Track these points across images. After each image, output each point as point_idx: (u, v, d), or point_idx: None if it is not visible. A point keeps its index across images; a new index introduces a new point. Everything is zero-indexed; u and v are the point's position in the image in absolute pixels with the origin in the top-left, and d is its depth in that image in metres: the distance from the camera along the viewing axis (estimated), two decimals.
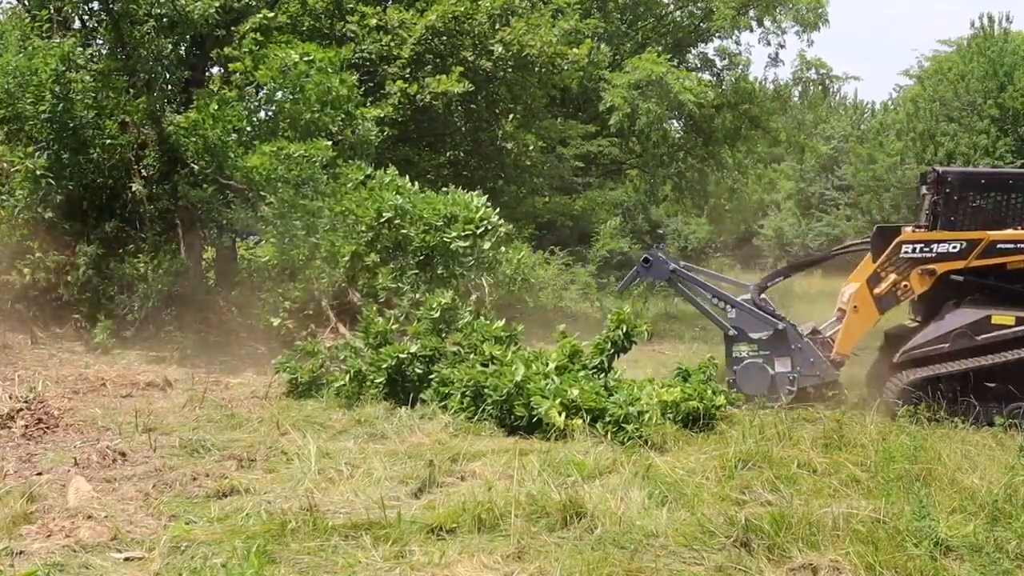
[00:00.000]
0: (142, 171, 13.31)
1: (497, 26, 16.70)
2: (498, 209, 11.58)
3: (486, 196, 11.59)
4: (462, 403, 8.39)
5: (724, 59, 25.62)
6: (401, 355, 9.07)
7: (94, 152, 12.73)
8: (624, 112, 18.49)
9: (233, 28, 14.06)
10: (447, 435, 7.72)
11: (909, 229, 9.55)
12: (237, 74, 13.48)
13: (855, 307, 9.19)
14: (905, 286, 9.07)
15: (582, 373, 8.68)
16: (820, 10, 23.52)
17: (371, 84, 16.23)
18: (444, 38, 16.39)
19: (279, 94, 13.25)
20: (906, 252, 9.10)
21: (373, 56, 16.21)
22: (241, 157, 12.35)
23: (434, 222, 11.01)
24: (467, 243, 10.92)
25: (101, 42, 14.46)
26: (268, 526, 5.31)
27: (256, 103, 13.63)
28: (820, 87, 25.86)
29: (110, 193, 13.29)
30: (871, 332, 9.68)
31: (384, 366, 9.04)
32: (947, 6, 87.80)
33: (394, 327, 9.86)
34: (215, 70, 15.62)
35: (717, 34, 24.99)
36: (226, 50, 13.70)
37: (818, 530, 5.18)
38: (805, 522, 5.26)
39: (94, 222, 12.97)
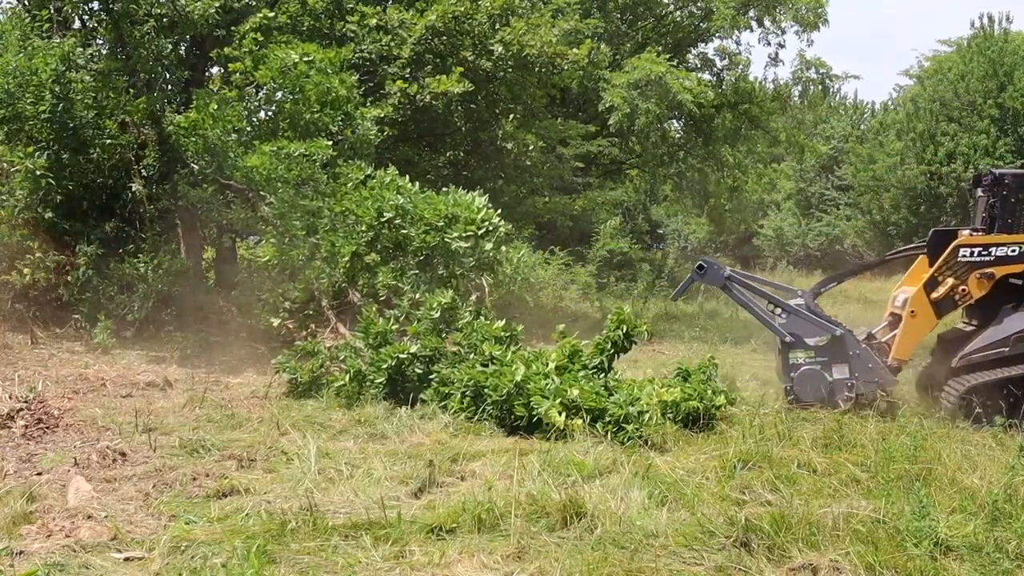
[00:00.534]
0: (142, 171, 13.31)
1: (497, 26, 16.70)
2: (499, 209, 11.57)
3: (486, 196, 11.59)
4: (462, 403, 8.39)
5: (724, 59, 25.64)
6: (401, 355, 9.07)
7: (94, 152, 12.73)
8: (623, 112, 18.49)
9: (233, 28, 14.06)
10: (447, 435, 7.72)
11: (966, 232, 9.39)
12: (237, 74, 13.48)
13: (912, 312, 9.00)
14: (963, 290, 8.91)
15: (582, 373, 8.67)
16: (820, 10, 23.52)
17: (371, 84, 16.23)
18: (444, 38, 16.39)
19: (279, 94, 13.25)
20: (964, 256, 8.95)
21: (373, 56, 16.21)
22: (241, 157, 12.35)
23: (435, 222, 11.01)
24: (468, 243, 10.92)
25: (101, 42, 14.46)
26: (268, 526, 5.31)
27: (256, 103, 13.63)
28: (820, 87, 25.87)
29: (110, 193, 13.29)
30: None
31: (384, 366, 9.05)
32: (947, 6, 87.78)
33: (394, 327, 9.85)
34: (215, 70, 15.63)
35: (717, 34, 24.99)
36: (226, 50, 13.70)
37: (818, 530, 5.18)
38: (805, 522, 5.26)
39: (94, 222, 12.97)
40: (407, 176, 12.13)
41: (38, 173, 12.21)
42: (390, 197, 11.35)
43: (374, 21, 16.13)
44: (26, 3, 14.35)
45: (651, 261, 25.51)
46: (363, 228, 11.27)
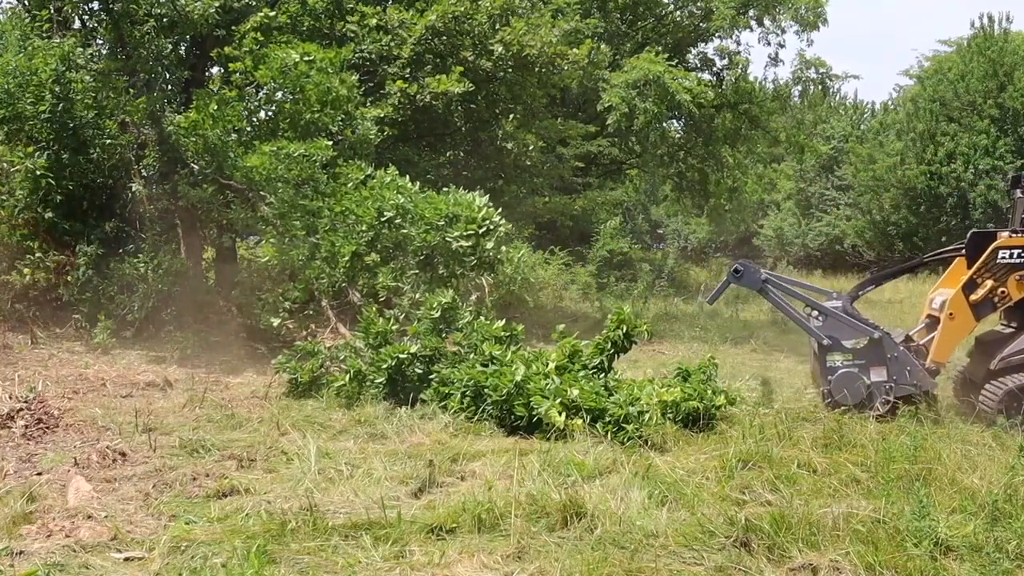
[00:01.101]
0: (142, 171, 13.31)
1: (497, 26, 16.69)
2: (499, 209, 11.57)
3: (487, 196, 11.59)
4: (462, 403, 8.39)
5: (724, 59, 25.65)
6: (401, 355, 9.07)
7: (94, 152, 12.73)
8: (621, 112, 18.49)
9: (233, 28, 14.06)
10: (447, 435, 7.72)
11: (1006, 234, 9.24)
12: (237, 74, 13.48)
13: (951, 314, 8.88)
14: (1003, 292, 8.78)
15: (582, 373, 8.68)
16: (819, 10, 23.54)
17: (371, 84, 16.23)
18: (444, 38, 16.39)
19: (279, 94, 13.26)
20: (1003, 258, 8.82)
21: (373, 56, 16.21)
22: (241, 157, 12.36)
23: (435, 222, 11.01)
24: (469, 243, 10.92)
25: (101, 42, 14.46)
26: (268, 526, 5.31)
27: (256, 103, 13.62)
28: (820, 87, 25.88)
29: (110, 193, 13.29)
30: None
31: (384, 366, 9.05)
32: (947, 6, 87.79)
33: (394, 327, 9.85)
34: (215, 70, 15.62)
35: (717, 34, 25.01)
36: (226, 50, 13.70)
37: (818, 530, 5.18)
38: (805, 522, 5.26)
39: (94, 222, 12.97)
40: (407, 176, 12.14)
41: (38, 173, 12.21)
42: (390, 197, 11.35)
43: (374, 21, 16.14)
44: (26, 3, 14.35)
45: (651, 261, 25.54)
46: (363, 228, 11.27)
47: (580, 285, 20.46)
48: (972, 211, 29.00)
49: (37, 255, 12.48)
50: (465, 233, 10.93)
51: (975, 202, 28.82)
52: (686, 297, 21.68)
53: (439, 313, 9.84)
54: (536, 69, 16.94)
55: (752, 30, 24.67)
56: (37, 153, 12.36)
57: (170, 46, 14.04)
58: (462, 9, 16.14)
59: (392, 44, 16.20)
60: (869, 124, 38.70)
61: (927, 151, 30.19)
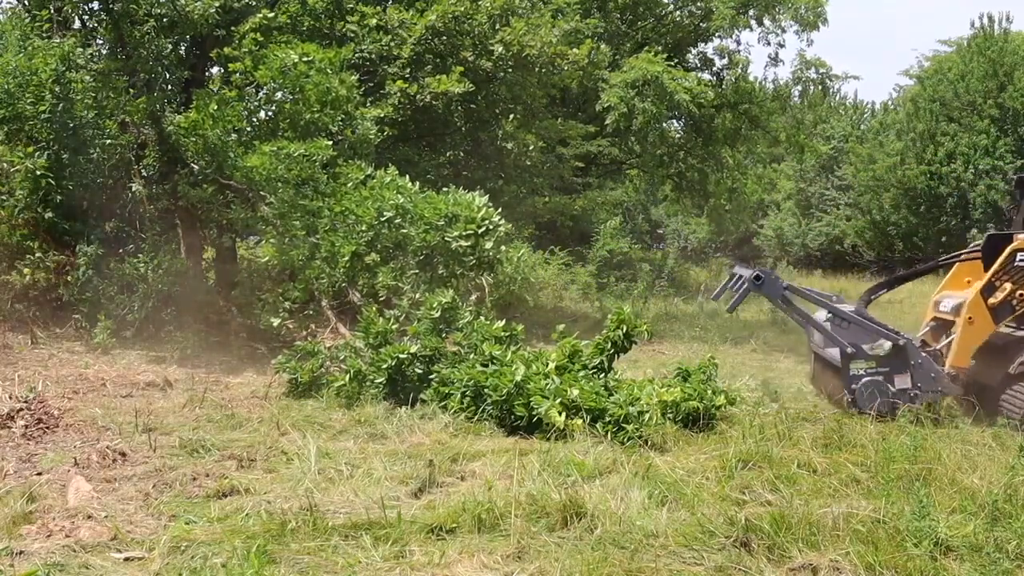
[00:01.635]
0: (142, 171, 13.31)
1: (497, 26, 16.70)
2: (499, 209, 11.58)
3: (487, 196, 11.60)
4: (462, 403, 8.39)
5: (724, 58, 25.66)
6: (401, 355, 9.07)
7: (94, 152, 12.73)
8: (620, 112, 18.49)
9: (233, 28, 14.06)
10: (447, 435, 7.71)
11: (1022, 236, 9.14)
12: (237, 74, 13.48)
13: (970, 318, 8.76)
14: (1021, 295, 8.70)
15: (582, 373, 8.68)
16: (819, 9, 23.54)
17: (371, 84, 16.23)
18: (444, 38, 16.39)
19: (279, 94, 13.25)
20: (1021, 261, 8.75)
21: (373, 56, 16.22)
22: (241, 157, 12.36)
23: (435, 221, 11.01)
24: (469, 242, 10.92)
25: (101, 42, 14.46)
26: (268, 526, 5.31)
27: (256, 103, 13.62)
28: (820, 87, 25.88)
29: (110, 193, 13.28)
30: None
31: (384, 366, 9.04)
32: (947, 6, 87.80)
33: (394, 327, 9.85)
34: (215, 70, 15.62)
35: (717, 34, 25.01)
36: (226, 50, 13.70)
37: (818, 530, 5.18)
38: (805, 522, 5.25)
39: (94, 222, 12.96)
40: (407, 176, 12.15)
41: (38, 173, 12.20)
42: (390, 197, 11.36)
43: (374, 21, 16.14)
44: (26, 3, 14.35)
45: (651, 261, 25.54)
46: (363, 228, 11.27)
47: (580, 285, 20.47)
48: (972, 211, 29.02)
49: (37, 255, 12.48)
50: (465, 233, 10.93)
51: (975, 202, 28.84)
52: (686, 297, 21.69)
53: (439, 313, 9.84)
54: (536, 69, 16.94)
55: (752, 30, 24.70)
56: (37, 153, 12.36)
57: (170, 46, 14.02)
58: (462, 9, 16.14)
59: (392, 44, 16.20)
60: (869, 124, 38.72)
61: (927, 151, 30.21)
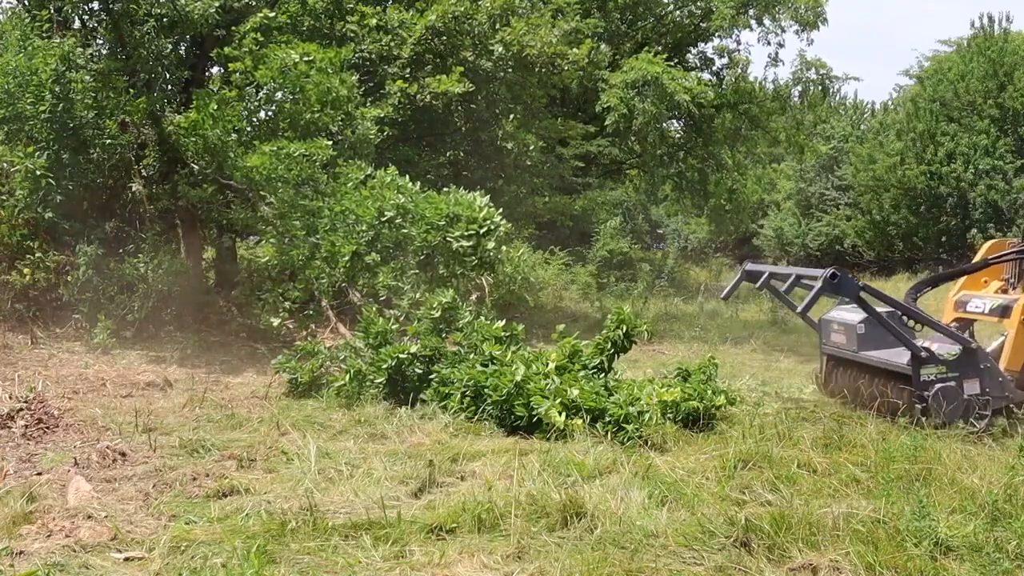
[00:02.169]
0: (142, 171, 13.31)
1: (497, 26, 16.70)
2: (499, 209, 11.58)
3: (487, 196, 11.60)
4: (462, 403, 8.39)
5: (724, 58, 25.65)
6: (401, 355, 9.07)
7: (94, 152, 12.73)
8: (620, 112, 18.49)
9: (233, 28, 14.06)
10: (447, 435, 7.71)
11: None
12: (237, 74, 13.49)
13: (1023, 321, 8.47)
14: None
15: (582, 373, 8.68)
16: (819, 9, 23.51)
17: (371, 84, 16.24)
18: (444, 38, 16.39)
19: (279, 94, 13.25)
20: None
21: (373, 56, 16.22)
22: (241, 157, 12.36)
23: (436, 221, 11.01)
24: (470, 243, 10.92)
25: (101, 42, 14.45)
26: (268, 526, 5.31)
27: (256, 103, 13.62)
28: (820, 87, 25.87)
29: (110, 193, 13.29)
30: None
31: (384, 366, 9.04)
32: (947, 6, 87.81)
33: (394, 327, 9.85)
34: (215, 70, 15.63)
35: (716, 33, 25.00)
36: (226, 50, 13.71)
37: (818, 530, 5.18)
38: (805, 522, 5.25)
39: (94, 222, 12.96)
40: (407, 176, 12.15)
41: (38, 173, 12.19)
42: (391, 196, 11.36)
43: (374, 21, 16.14)
44: (26, 3, 14.34)
45: (651, 261, 25.54)
46: (363, 228, 11.28)
47: (580, 285, 20.46)
48: (972, 211, 29.01)
49: (37, 255, 12.48)
50: (466, 233, 10.93)
51: (975, 202, 28.83)
52: (686, 297, 21.68)
53: (439, 313, 9.84)
54: (536, 69, 16.94)
55: (752, 30, 24.68)
56: (37, 153, 12.35)
57: (170, 46, 14.02)
58: (462, 9, 16.14)
59: (392, 44, 16.20)
60: (869, 124, 38.70)
61: (927, 151, 30.19)
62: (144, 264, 12.38)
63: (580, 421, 7.70)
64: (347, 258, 11.17)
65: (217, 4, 13.04)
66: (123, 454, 6.88)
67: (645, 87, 18.44)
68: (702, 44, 26.23)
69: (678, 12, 25.55)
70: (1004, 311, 8.79)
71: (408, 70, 16.28)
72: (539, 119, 19.31)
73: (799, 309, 8.41)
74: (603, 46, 19.41)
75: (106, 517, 5.45)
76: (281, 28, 14.17)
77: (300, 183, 12.15)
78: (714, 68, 25.87)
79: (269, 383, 9.80)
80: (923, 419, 7.88)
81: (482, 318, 9.86)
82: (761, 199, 39.83)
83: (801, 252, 38.09)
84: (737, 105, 23.70)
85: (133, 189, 13.03)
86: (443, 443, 7.43)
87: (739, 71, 25.27)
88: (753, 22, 24.32)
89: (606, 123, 19.22)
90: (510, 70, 16.90)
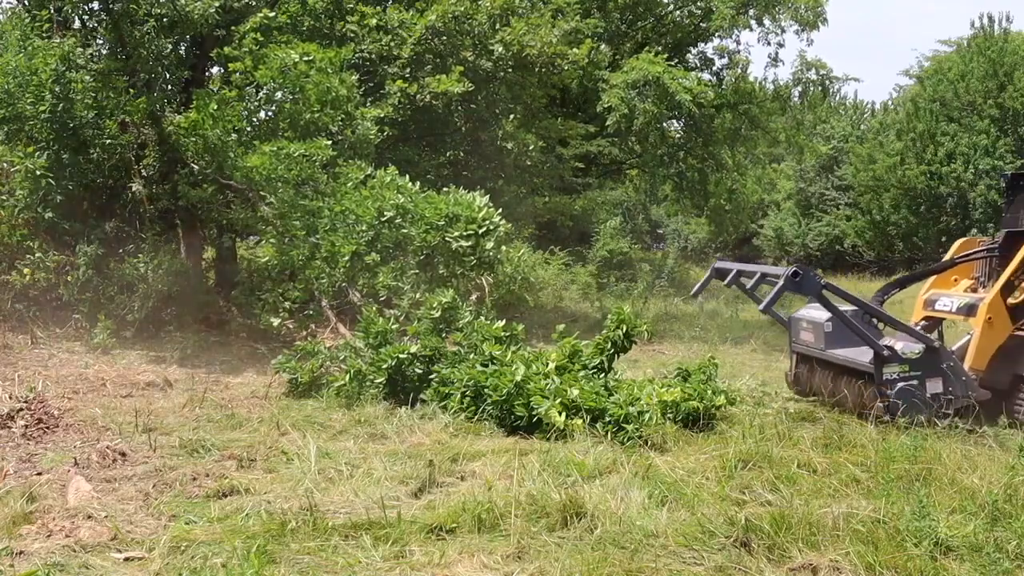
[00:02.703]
0: (142, 171, 13.31)
1: (497, 26, 16.70)
2: (499, 209, 11.58)
3: (487, 196, 11.60)
4: (462, 403, 8.39)
5: (724, 58, 25.66)
6: (401, 355, 9.07)
7: (94, 152, 12.73)
8: (621, 112, 18.49)
9: (233, 28, 14.06)
10: (447, 435, 7.71)
11: None
12: (237, 74, 13.49)
13: (990, 319, 8.44)
14: None
15: (582, 373, 8.68)
16: (819, 9, 23.54)
17: (371, 84, 16.24)
18: (444, 38, 16.39)
19: (279, 94, 13.26)
20: None
21: (373, 56, 16.22)
22: (241, 157, 12.36)
23: (436, 221, 11.01)
24: (469, 243, 10.91)
25: (101, 42, 14.45)
26: (268, 526, 5.31)
27: (256, 103, 13.62)
28: (820, 88, 25.88)
29: (110, 193, 13.29)
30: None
31: (384, 366, 9.04)
32: (947, 6, 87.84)
33: (394, 327, 9.85)
34: (215, 70, 15.63)
35: (716, 33, 25.00)
36: (226, 50, 13.71)
37: (818, 530, 5.18)
38: (805, 522, 5.25)
39: (94, 222, 12.96)
40: (407, 176, 12.15)
41: (38, 173, 12.20)
42: (391, 196, 11.37)
43: (374, 21, 16.14)
44: (26, 3, 14.34)
45: (651, 261, 25.52)
46: (363, 228, 11.28)
47: (580, 285, 20.45)
48: (972, 211, 29.01)
49: (37, 255, 12.48)
50: (465, 233, 10.93)
51: (975, 202, 28.83)
52: (686, 297, 21.67)
53: (439, 313, 9.84)
54: (536, 69, 16.94)
55: (752, 30, 24.69)
56: (37, 153, 12.36)
57: (170, 46, 14.02)
58: (462, 9, 16.14)
59: (392, 44, 16.20)
60: (869, 124, 38.69)
61: (927, 151, 30.18)
62: (144, 264, 12.38)
63: (580, 421, 7.70)
64: (347, 258, 11.17)
65: (217, 4, 13.05)
66: (123, 454, 6.88)
67: (646, 87, 18.45)
68: (702, 44, 26.27)
69: (678, 12, 25.57)
70: (970, 310, 8.81)
71: (408, 70, 16.28)
72: (539, 119, 19.32)
73: (761, 306, 8.41)
74: (603, 46, 19.41)
75: (106, 517, 5.45)
76: (281, 28, 14.17)
77: (300, 183, 12.15)
78: (714, 68, 25.90)
79: (269, 383, 9.80)
80: (887, 418, 7.92)
81: (482, 318, 9.86)
82: (761, 199, 39.83)
83: (801, 252, 38.08)
84: (737, 105, 23.70)
85: (133, 189, 13.03)
86: (443, 443, 7.43)
87: (739, 71, 25.28)
88: (753, 22, 24.34)
89: (607, 123, 19.23)
90: (510, 70, 16.90)
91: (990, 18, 31.37)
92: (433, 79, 15.80)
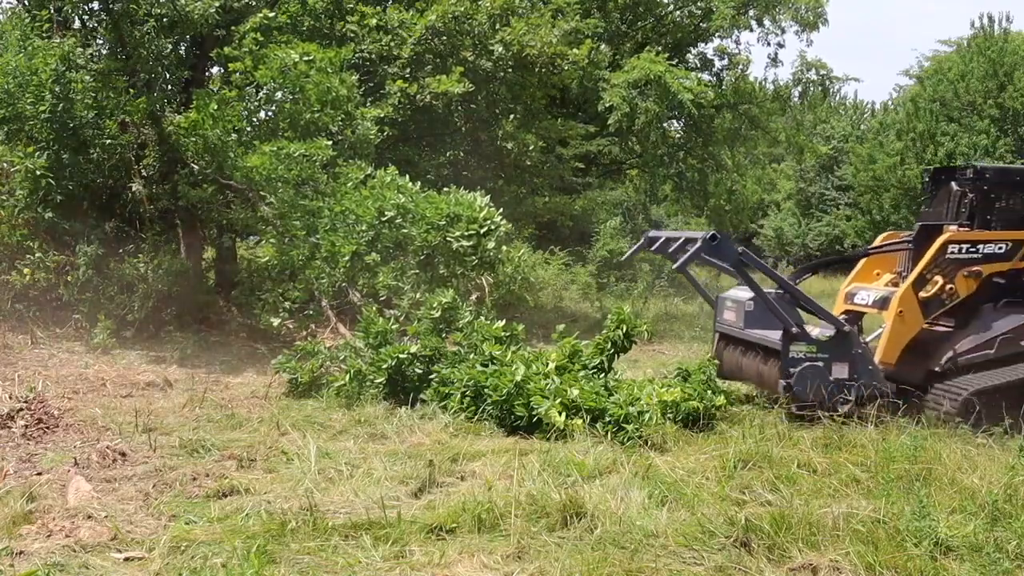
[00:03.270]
0: (142, 171, 13.31)
1: (497, 26, 16.70)
2: (499, 209, 11.58)
3: (487, 196, 11.60)
4: (462, 403, 8.39)
5: (724, 58, 25.64)
6: (401, 355, 9.07)
7: (94, 152, 12.73)
8: (623, 112, 18.49)
9: (233, 28, 14.07)
10: (447, 435, 7.72)
11: (954, 227, 8.85)
12: (237, 74, 13.49)
13: (901, 312, 8.44)
14: (951, 289, 8.41)
15: (582, 373, 8.68)
16: (819, 9, 23.54)
17: (371, 84, 16.24)
18: (444, 38, 16.40)
19: (279, 94, 13.26)
20: (952, 253, 8.49)
21: (373, 56, 16.22)
22: (241, 157, 12.36)
23: (437, 221, 11.01)
24: (470, 243, 10.92)
25: (101, 42, 14.46)
26: (268, 526, 5.31)
27: (256, 103, 13.63)
28: (820, 88, 25.87)
29: (110, 193, 13.29)
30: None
31: (384, 366, 9.05)
32: (947, 6, 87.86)
33: (394, 327, 9.86)
34: (215, 70, 15.63)
35: (717, 34, 24.99)
36: (226, 50, 13.71)
37: (818, 530, 5.18)
38: (805, 522, 5.26)
39: (94, 222, 12.96)
40: (407, 176, 12.15)
41: (38, 173, 12.20)
42: (391, 196, 11.37)
43: (374, 21, 16.15)
44: (26, 3, 14.35)
45: (651, 261, 25.50)
46: (363, 228, 11.28)
47: (580, 285, 20.44)
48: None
49: (37, 255, 12.48)
50: (466, 233, 10.93)
51: None
52: (686, 297, 21.66)
53: (439, 313, 9.84)
54: (536, 69, 16.94)
55: (752, 30, 24.70)
56: (37, 153, 12.36)
57: (170, 46, 14.02)
58: (462, 9, 16.15)
59: (392, 44, 16.20)
60: (869, 124, 38.71)
61: (927, 151, 30.16)
62: (144, 264, 12.38)
63: (580, 421, 7.71)
64: (347, 258, 11.17)
65: (217, 4, 13.05)
66: (123, 454, 6.88)
67: (648, 86, 18.44)
68: (702, 44, 26.23)
69: (678, 12, 25.55)
70: (884, 303, 8.82)
71: (408, 70, 16.28)
72: (539, 119, 19.30)
73: (675, 266, 8.44)
74: (603, 46, 19.40)
75: (106, 517, 5.45)
76: (281, 28, 14.18)
77: (300, 183, 12.16)
78: (714, 69, 25.87)
79: (269, 383, 9.80)
80: (785, 396, 7.97)
81: (482, 318, 9.86)
82: (761, 199, 39.84)
83: (801, 252, 38.11)
84: (737, 105, 23.69)
85: (133, 189, 13.03)
86: (443, 443, 7.43)
87: (739, 71, 25.27)
88: (753, 22, 24.34)
89: (608, 122, 19.22)
90: (510, 70, 16.90)
91: (990, 18, 31.37)
92: (433, 79, 15.80)
